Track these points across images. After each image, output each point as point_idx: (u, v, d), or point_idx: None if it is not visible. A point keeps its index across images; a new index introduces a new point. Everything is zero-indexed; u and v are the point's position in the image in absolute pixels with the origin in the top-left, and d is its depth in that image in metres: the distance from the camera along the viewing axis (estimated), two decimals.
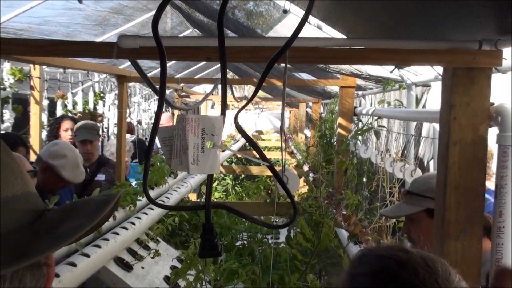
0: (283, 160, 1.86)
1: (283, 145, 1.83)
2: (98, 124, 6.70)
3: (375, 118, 3.71)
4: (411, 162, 2.80)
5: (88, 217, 0.76)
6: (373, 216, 3.09)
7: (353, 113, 4.26)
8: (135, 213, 3.23)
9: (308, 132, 9.29)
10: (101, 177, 4.27)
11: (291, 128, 14.27)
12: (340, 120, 4.28)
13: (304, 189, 5.26)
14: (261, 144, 12.83)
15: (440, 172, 1.76)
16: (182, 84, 8.41)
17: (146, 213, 3.22)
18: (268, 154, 11.22)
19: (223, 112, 1.11)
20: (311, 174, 5.09)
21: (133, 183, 3.76)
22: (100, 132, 7.71)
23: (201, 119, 1.02)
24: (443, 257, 1.51)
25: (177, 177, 4.46)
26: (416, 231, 2.13)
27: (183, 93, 8.72)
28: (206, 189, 1.19)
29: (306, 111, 9.45)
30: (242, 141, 10.57)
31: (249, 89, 33.36)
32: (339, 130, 4.28)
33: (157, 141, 1.18)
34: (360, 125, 4.06)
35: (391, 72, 3.09)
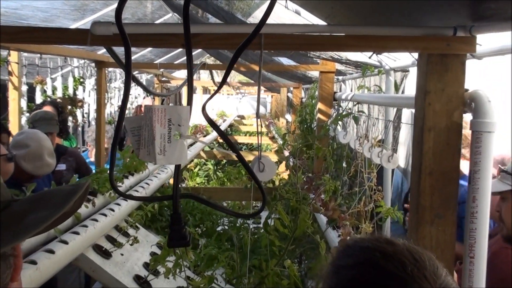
0: (259, 147, 1.86)
1: (260, 130, 1.83)
2: (71, 112, 6.63)
3: (355, 103, 3.73)
4: (389, 148, 2.82)
5: (54, 208, 0.75)
6: (352, 201, 3.11)
7: (333, 98, 4.27)
8: (115, 200, 3.21)
9: (289, 117, 9.31)
10: (61, 166, 4.25)
11: (273, 113, 14.30)
12: (320, 105, 4.28)
13: (286, 174, 5.28)
14: (242, 128, 12.82)
15: (415, 158, 1.77)
16: (162, 70, 8.36)
17: (125, 200, 3.20)
18: (249, 139, 11.24)
19: (189, 102, 1.10)
20: (291, 159, 5.10)
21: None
22: (80, 118, 7.65)
23: (167, 110, 1.01)
24: (418, 242, 1.53)
25: None
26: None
27: (164, 78, 8.65)
28: (173, 179, 1.18)
29: (287, 96, 9.46)
30: (224, 126, 10.57)
31: (230, 74, 33.38)
32: (319, 115, 4.29)
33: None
34: (340, 110, 4.08)
35: (369, 57, 3.10)
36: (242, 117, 15.86)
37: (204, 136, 7.83)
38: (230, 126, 12.44)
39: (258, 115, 1.70)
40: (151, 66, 5.53)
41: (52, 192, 0.83)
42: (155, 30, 1.74)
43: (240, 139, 10.71)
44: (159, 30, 1.75)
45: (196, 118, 13.75)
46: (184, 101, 9.45)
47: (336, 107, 4.30)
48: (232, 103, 16.83)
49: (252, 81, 13.95)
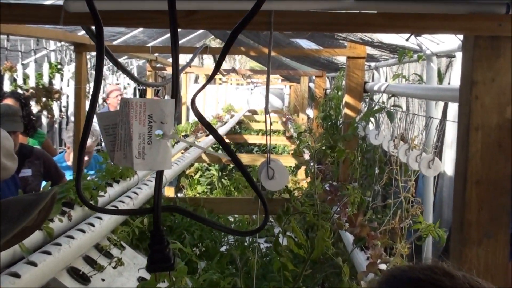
0: (268, 149, 1.86)
1: (269, 128, 1.84)
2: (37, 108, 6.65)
3: (390, 95, 3.73)
4: (430, 151, 2.82)
5: (10, 223, 0.76)
6: (385, 216, 3.10)
7: (363, 90, 4.28)
8: (96, 212, 3.24)
9: (311, 112, 9.29)
10: (26, 172, 4.17)
11: (291, 108, 14.30)
12: (347, 98, 4.29)
13: (307, 183, 5.29)
14: (254, 126, 12.85)
15: (459, 163, 1.77)
16: (156, 54, 8.40)
17: (100, 217, 3.22)
18: (262, 139, 11.28)
19: (174, 95, 1.11)
20: (311, 164, 5.11)
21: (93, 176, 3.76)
22: (57, 113, 7.69)
23: (147, 104, 1.01)
24: (462, 266, 1.53)
25: None
26: None
27: (158, 65, 8.69)
28: (155, 188, 1.19)
29: (309, 87, 9.47)
30: (231, 124, 10.61)
31: (240, 59, 33.32)
32: (346, 110, 4.29)
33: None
34: (372, 104, 4.08)
35: (407, 40, 3.10)
36: (254, 112, 15.88)
37: (207, 135, 7.86)
38: (239, 123, 12.48)
39: (266, 110, 1.71)
40: (142, 49, 5.55)
41: (9, 202, 0.84)
42: (141, 7, 1.75)
43: (251, 138, 10.74)
44: (147, 6, 1.76)
45: (192, 116, 13.81)
46: (185, 93, 9.48)
47: (367, 100, 4.30)
48: (242, 95, 16.82)
49: (266, 68, 14.00)
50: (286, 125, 10.66)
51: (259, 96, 17.83)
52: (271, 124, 1.73)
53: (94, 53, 9.04)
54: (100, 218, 3.13)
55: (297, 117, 10.42)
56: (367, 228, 2.68)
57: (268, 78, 1.71)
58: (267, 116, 1.74)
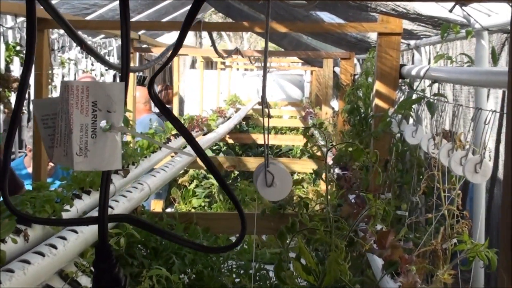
0: (266, 148, 1.89)
1: (267, 123, 1.86)
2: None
3: (431, 81, 3.74)
4: (479, 152, 2.82)
5: None
6: (423, 234, 3.12)
7: (398, 75, 4.29)
8: (60, 231, 3.27)
9: (336, 104, 9.27)
10: None
11: (313, 98, 14.29)
12: (378, 86, 4.31)
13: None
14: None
15: (508, 168, 1.78)
16: (142, 32, 8.43)
17: (75, 231, 3.26)
18: (276, 139, 11.29)
19: (124, 77, 1.12)
20: (336, 170, 5.12)
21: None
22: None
23: (91, 87, 1.01)
24: None
25: (128, 175, 4.52)
26: None
27: (144, 45, 8.73)
28: (100, 193, 1.21)
29: (334, 72, 9.46)
30: (236, 119, 10.64)
31: (249, 38, 33.38)
32: (377, 100, 4.31)
33: None
34: (411, 93, 4.09)
35: (450, 10, 3.10)
36: (267, 105, 15.97)
37: (205, 134, 7.90)
38: (246, 119, 12.51)
39: (264, 99, 1.74)
40: (119, 26, 5.55)
41: None
42: None
43: (261, 138, 10.76)
44: None
45: (192, 107, 13.85)
46: (177, 81, 9.53)
47: (404, 88, 4.31)
48: (251, 83, 16.84)
49: (282, 49, 13.98)
50: (306, 120, 10.66)
51: (273, 85, 17.84)
52: (269, 116, 1.75)
53: (61, 31, 9.11)
54: (64, 239, 3.17)
55: (319, 111, 10.41)
56: (400, 250, 2.70)
57: (265, 58, 1.73)
58: (264, 106, 1.76)
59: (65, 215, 3.41)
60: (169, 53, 4.33)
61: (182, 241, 1.25)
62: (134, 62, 7.30)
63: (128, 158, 4.63)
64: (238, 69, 18.50)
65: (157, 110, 10.15)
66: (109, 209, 3.80)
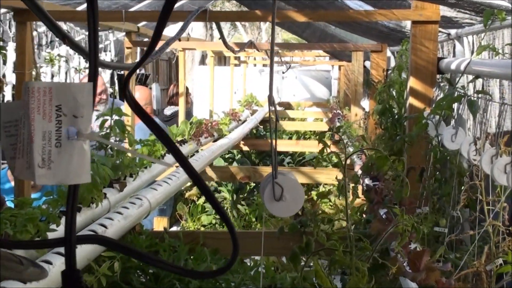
0: (274, 157, 1.89)
1: (274, 127, 1.86)
2: None
3: (473, 77, 3.72)
4: None
5: None
6: (465, 254, 3.10)
7: (436, 69, 4.28)
8: (45, 254, 3.29)
9: (367, 104, 9.23)
10: None
11: (341, 97, 14.26)
12: (412, 82, 4.30)
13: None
14: (287, 126, 12.88)
15: None
16: (142, 24, 8.45)
17: (62, 254, 3.27)
18: (298, 146, 11.28)
19: (92, 77, 1.11)
20: (366, 180, 5.11)
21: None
22: None
23: (54, 89, 1.00)
24: None
25: (124, 188, 4.53)
26: None
27: (146, 39, 8.75)
28: (67, 210, 1.20)
29: (364, 67, 9.43)
30: (253, 121, 10.66)
31: (268, 28, 33.38)
32: (411, 99, 4.30)
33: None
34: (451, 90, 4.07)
35: None
36: (288, 106, 15.91)
37: (215, 140, 7.92)
38: (264, 122, 12.49)
39: (271, 99, 1.74)
40: (113, 16, 5.55)
41: None
42: None
43: (282, 144, 10.71)
44: None
45: (202, 109, 13.85)
46: (183, 80, 9.56)
47: (442, 84, 4.30)
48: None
49: (305, 42, 13.98)
50: (333, 123, 10.61)
51: (294, 82, 17.84)
52: (277, 120, 1.75)
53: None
54: (49, 263, 3.18)
55: (348, 112, 10.38)
56: (437, 273, 2.69)
57: (272, 53, 1.73)
58: (272, 108, 1.76)
59: (51, 236, 3.42)
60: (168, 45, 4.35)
61: (159, 263, 1.25)
62: (134, 58, 7.31)
63: (125, 169, 4.64)
64: (255, 64, 18.51)
65: (168, 111, 10.21)
66: (102, 229, 3.84)
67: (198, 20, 4.41)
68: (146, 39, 8.83)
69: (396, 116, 5.10)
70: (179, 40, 4.06)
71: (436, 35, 4.30)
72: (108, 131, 4.52)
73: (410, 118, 4.23)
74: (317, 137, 13.09)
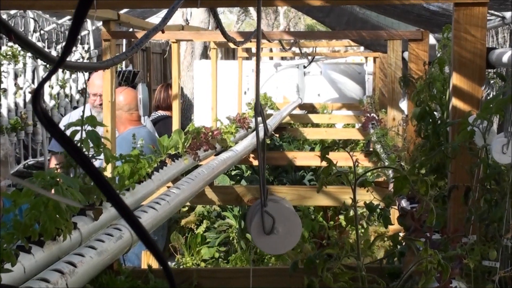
0: (262, 179, 1.90)
1: (262, 141, 1.87)
2: None
3: None
4: None
5: None
6: None
7: (484, 63, 4.27)
8: None
9: (405, 106, 9.17)
10: None
11: (377, 97, 14.17)
12: (455, 79, 4.29)
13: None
14: (308, 134, 12.87)
15: None
16: (124, 11, 8.46)
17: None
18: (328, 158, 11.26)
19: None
20: (403, 201, 5.12)
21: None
22: None
23: None
24: None
25: (100, 216, 4.53)
26: None
27: (130, 29, 8.76)
28: None
29: (403, 59, 9.40)
30: (279, 114, 10.65)
31: (288, 11, 33.35)
32: (454, 100, 4.29)
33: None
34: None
35: None
36: (310, 109, 15.89)
37: (217, 153, 7.92)
38: (280, 129, 12.46)
39: (257, 107, 1.75)
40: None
41: None
42: None
43: (301, 158, 10.67)
44: None
45: (204, 113, 13.85)
46: (176, 78, 9.60)
47: (493, 81, 4.29)
48: (287, 76, 16.80)
49: (327, 29, 13.94)
50: (366, 130, 10.56)
51: (319, 79, 17.81)
52: (266, 134, 1.77)
53: (12, 12, 9.21)
54: None
55: (385, 115, 10.34)
56: None
57: (258, 45, 1.75)
58: (257, 115, 1.77)
59: (5, 277, 3.44)
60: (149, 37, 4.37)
61: None
62: (113, 53, 7.31)
63: (100, 193, 4.64)
64: (271, 58, 18.51)
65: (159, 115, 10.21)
66: (70, 267, 3.85)
67: (187, 6, 4.42)
68: (130, 29, 8.85)
69: (439, 122, 5.09)
70: (162, 31, 4.04)
71: (484, 20, 4.29)
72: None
73: (452, 124, 4.22)
74: (361, 147, 12.94)
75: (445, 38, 5.17)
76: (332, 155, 4.37)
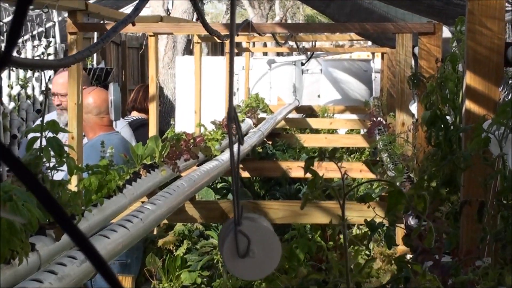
0: (236, 197, 1.91)
1: (236, 153, 1.89)
2: None
3: None
4: None
5: None
6: None
7: (502, 60, 4.29)
8: None
9: (415, 109, 9.17)
10: None
11: (384, 98, 14.17)
12: (469, 79, 4.30)
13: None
14: (306, 141, 12.88)
15: None
16: (93, 0, 8.46)
17: None
18: (322, 170, 11.23)
19: None
20: (410, 219, 5.13)
21: None
22: None
23: None
24: None
25: (62, 235, 4.53)
26: None
27: (103, 21, 8.78)
28: None
29: (413, 54, 9.40)
30: (256, 136, 10.65)
31: (283, 2, 33.38)
32: (468, 103, 4.31)
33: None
34: None
35: None
36: (309, 112, 15.89)
37: (200, 163, 7.93)
38: (273, 135, 12.45)
39: (230, 113, 1.77)
40: None
41: None
42: None
43: (297, 168, 10.68)
44: None
45: (188, 117, 13.82)
46: (154, 77, 9.62)
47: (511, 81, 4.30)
48: (282, 74, 16.79)
49: (328, 20, 13.97)
50: (372, 136, 10.55)
51: (320, 78, 17.80)
52: (240, 142, 1.78)
53: None
54: None
55: (393, 119, 10.36)
56: None
57: (232, 40, 1.76)
58: (231, 123, 1.79)
59: None
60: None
61: None
62: (80, 47, 7.32)
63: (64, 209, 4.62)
64: (265, 53, 18.55)
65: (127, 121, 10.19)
66: None
67: None
68: (103, 21, 8.86)
69: (451, 127, 5.11)
70: (133, 24, 4.03)
71: (502, 11, 4.30)
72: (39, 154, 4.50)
73: (465, 130, 4.23)
74: (366, 155, 12.98)
75: (459, 32, 5.19)
76: (328, 166, 4.36)
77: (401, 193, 2.79)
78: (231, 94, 1.82)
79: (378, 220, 4.13)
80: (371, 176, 9.21)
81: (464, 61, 4.50)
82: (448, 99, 5.19)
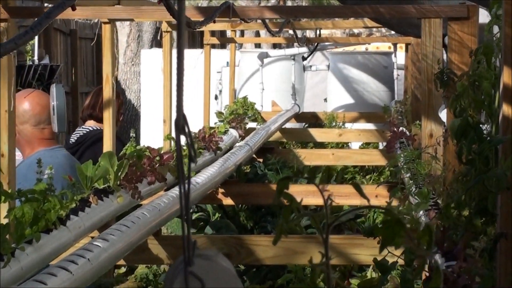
0: (186, 230, 1.92)
1: (188, 170, 1.90)
2: None
3: None
4: None
5: None
6: None
7: None
8: None
9: (445, 116, 9.15)
10: None
11: (407, 103, 14.16)
12: (507, 77, 4.31)
13: None
14: (312, 158, 12.90)
15: None
16: None
17: None
18: (331, 192, 11.26)
19: None
20: (437, 257, 5.15)
21: None
22: None
23: None
24: None
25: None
26: None
27: (43, 3, 8.81)
28: None
29: (444, 45, 9.41)
30: (244, 150, 10.67)
31: None
32: (506, 108, 4.31)
33: None
34: None
35: None
36: (313, 120, 15.89)
37: (168, 188, 7.93)
38: (264, 150, 12.45)
39: (179, 123, 1.78)
40: None
41: None
42: None
43: (294, 193, 10.69)
44: None
45: (157, 127, 13.78)
46: (109, 77, 9.65)
47: None
48: (276, 72, 16.77)
49: (336, 2, 13.99)
50: (391, 151, 10.54)
51: (327, 76, 17.79)
52: (191, 160, 1.79)
53: None
54: None
55: (419, 129, 10.38)
56: None
57: (181, 29, 1.77)
58: (189, 139, 1.80)
59: None
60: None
61: None
62: (8, 36, 7.34)
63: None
64: (259, 45, 18.58)
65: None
66: None
67: None
68: (42, 4, 8.88)
69: (487, 139, 5.11)
70: (73, 8, 3.97)
71: None
72: None
73: (502, 143, 4.23)
74: (385, 176, 13.04)
75: (494, 17, 5.19)
76: (348, 189, 4.28)
77: (399, 223, 2.79)
78: (179, 97, 1.83)
79: (391, 259, 4.14)
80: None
81: (501, 54, 4.48)
82: (482, 103, 5.17)
